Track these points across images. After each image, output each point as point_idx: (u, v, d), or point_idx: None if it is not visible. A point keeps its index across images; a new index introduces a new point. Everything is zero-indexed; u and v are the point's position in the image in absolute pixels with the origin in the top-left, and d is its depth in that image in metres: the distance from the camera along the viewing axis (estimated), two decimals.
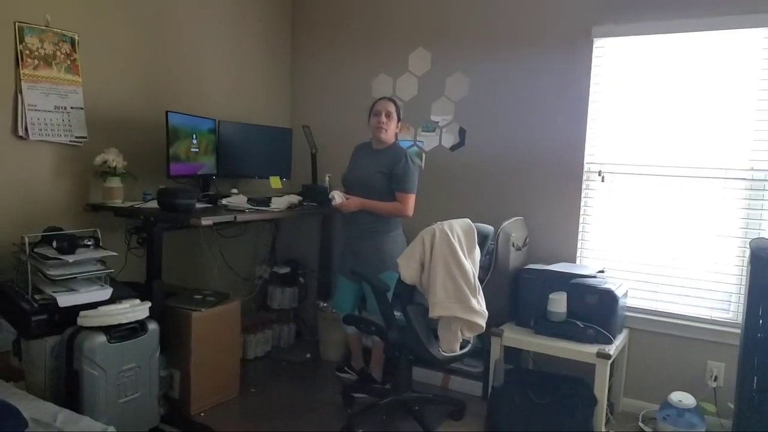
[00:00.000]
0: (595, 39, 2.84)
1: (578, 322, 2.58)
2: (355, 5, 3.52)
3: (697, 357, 2.70)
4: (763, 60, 2.54)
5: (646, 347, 2.81)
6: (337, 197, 2.68)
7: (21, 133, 2.40)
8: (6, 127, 2.36)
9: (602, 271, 2.81)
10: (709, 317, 2.71)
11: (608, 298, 2.57)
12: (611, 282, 2.67)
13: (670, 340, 2.76)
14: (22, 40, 2.38)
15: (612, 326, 2.56)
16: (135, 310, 2.29)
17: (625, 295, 2.72)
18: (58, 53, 2.51)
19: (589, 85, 2.87)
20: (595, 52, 2.86)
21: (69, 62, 2.56)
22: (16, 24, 2.36)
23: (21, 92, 2.38)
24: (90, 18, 2.61)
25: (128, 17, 2.78)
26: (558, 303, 2.62)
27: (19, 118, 2.39)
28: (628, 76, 2.82)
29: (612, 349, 2.47)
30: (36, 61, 2.44)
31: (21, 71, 2.38)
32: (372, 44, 3.47)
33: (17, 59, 2.37)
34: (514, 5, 3.03)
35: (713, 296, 2.71)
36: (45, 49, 2.46)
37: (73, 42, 2.56)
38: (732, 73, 2.60)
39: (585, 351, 2.47)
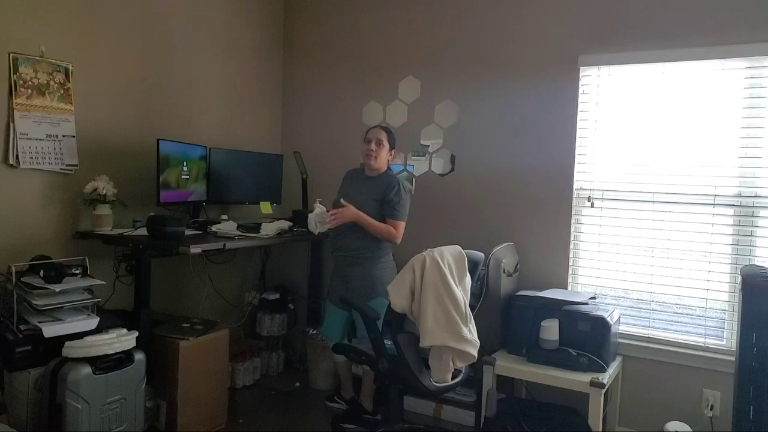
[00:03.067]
0: (581, 67, 2.89)
1: (571, 350, 2.55)
2: (345, 34, 3.58)
3: (692, 385, 2.68)
4: (746, 89, 2.59)
5: (640, 375, 2.78)
6: (322, 209, 2.66)
7: (12, 161, 2.40)
8: None
9: (594, 298, 2.80)
10: (703, 344, 2.69)
11: (601, 325, 2.55)
12: (603, 308, 2.65)
13: (664, 368, 2.73)
14: (16, 71, 2.40)
15: (605, 354, 2.53)
16: (121, 340, 2.26)
17: (618, 321, 2.70)
18: (51, 83, 2.53)
19: (576, 112, 2.91)
20: (582, 80, 2.91)
21: (62, 91, 2.57)
22: (11, 55, 2.38)
23: (13, 121, 2.39)
24: (84, 48, 2.64)
25: (121, 47, 2.82)
26: (550, 330, 2.60)
27: (11, 147, 2.40)
28: (615, 102, 2.86)
29: (606, 378, 2.44)
30: (29, 91, 2.45)
31: (14, 101, 2.39)
32: (362, 72, 3.52)
33: (11, 89, 2.38)
34: (502, 34, 3.09)
35: (706, 323, 2.70)
36: (39, 79, 2.48)
37: (66, 72, 2.58)
38: (717, 101, 2.64)
39: (578, 380, 2.44)
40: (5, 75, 2.37)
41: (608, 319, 2.56)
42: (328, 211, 2.68)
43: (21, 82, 2.42)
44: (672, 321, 2.77)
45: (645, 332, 2.81)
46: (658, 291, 2.79)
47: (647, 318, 2.82)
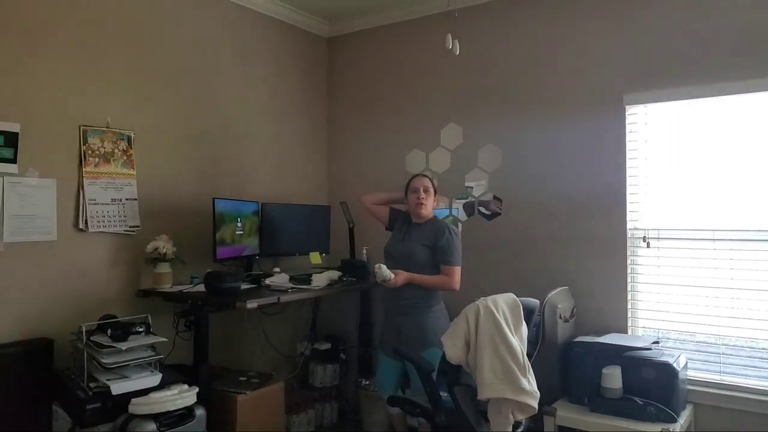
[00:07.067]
0: (627, 106, 2.86)
1: (636, 399, 2.44)
2: (386, 86, 3.69)
3: None
4: None
5: (714, 425, 2.61)
6: (386, 272, 2.61)
7: (81, 226, 2.56)
8: (68, 221, 2.53)
9: (657, 342, 2.69)
10: None
11: (667, 371, 2.44)
12: (668, 353, 2.54)
13: (740, 417, 2.56)
14: (85, 142, 2.59)
15: (674, 402, 2.41)
16: (183, 396, 2.32)
17: (685, 367, 2.57)
18: (116, 150, 2.71)
19: (625, 151, 2.87)
20: (629, 119, 2.88)
21: (125, 158, 2.75)
22: (81, 128, 2.58)
23: (83, 188, 2.57)
24: (144, 116, 2.83)
25: (177, 112, 3.00)
26: (612, 378, 2.50)
27: (80, 212, 2.57)
28: (666, 138, 2.81)
29: (677, 428, 2.32)
30: (97, 159, 2.64)
31: (83, 169, 2.58)
32: (404, 121, 3.60)
33: (80, 159, 2.57)
34: (544, 76, 3.11)
35: None
36: (105, 148, 2.67)
37: (129, 139, 2.77)
38: None
39: (647, 430, 2.32)
40: (76, 146, 2.56)
41: (675, 364, 2.44)
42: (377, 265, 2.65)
43: (89, 152, 2.61)
44: (745, 365, 2.61)
45: (717, 378, 2.66)
46: (727, 333, 2.65)
47: (717, 363, 2.67)
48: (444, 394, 2.36)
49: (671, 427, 2.31)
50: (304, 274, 3.02)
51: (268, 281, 2.87)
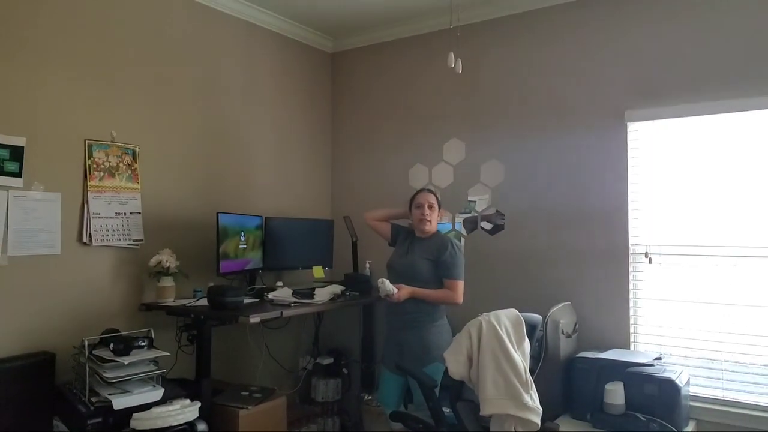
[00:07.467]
0: (628, 123, 2.89)
1: (639, 415, 2.43)
2: (389, 101, 3.72)
3: None
4: None
5: None
6: (389, 286, 2.61)
7: (85, 239, 2.57)
8: (72, 235, 2.54)
9: (659, 358, 2.68)
10: None
11: (670, 387, 2.43)
12: (671, 370, 2.53)
13: None
14: (90, 156, 2.61)
15: (677, 419, 2.40)
16: (185, 411, 2.31)
17: (688, 383, 2.56)
18: (121, 164, 2.73)
19: (627, 168, 2.89)
20: (630, 135, 2.90)
21: (130, 172, 2.77)
22: (86, 142, 2.60)
23: (87, 202, 2.58)
24: (149, 130, 2.85)
25: (182, 127, 3.02)
26: (615, 394, 2.49)
27: (84, 226, 2.58)
28: (668, 155, 2.82)
29: None
30: (101, 173, 2.65)
31: (88, 183, 2.59)
32: (407, 137, 3.62)
33: (85, 173, 2.59)
34: (546, 93, 3.14)
35: None
36: (110, 162, 2.69)
37: (134, 153, 2.79)
38: None
39: None
40: (81, 160, 2.58)
41: (677, 381, 2.44)
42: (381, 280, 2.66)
43: (94, 166, 2.63)
44: (747, 382, 2.61)
45: (719, 394, 2.65)
46: (729, 350, 2.65)
47: (719, 379, 2.66)
48: (446, 410, 2.36)
49: None
50: (307, 288, 3.03)
51: (271, 295, 2.88)
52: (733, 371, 2.64)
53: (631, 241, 2.88)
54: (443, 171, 3.47)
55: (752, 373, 2.61)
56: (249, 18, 3.39)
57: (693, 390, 2.64)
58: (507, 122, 3.26)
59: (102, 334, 2.43)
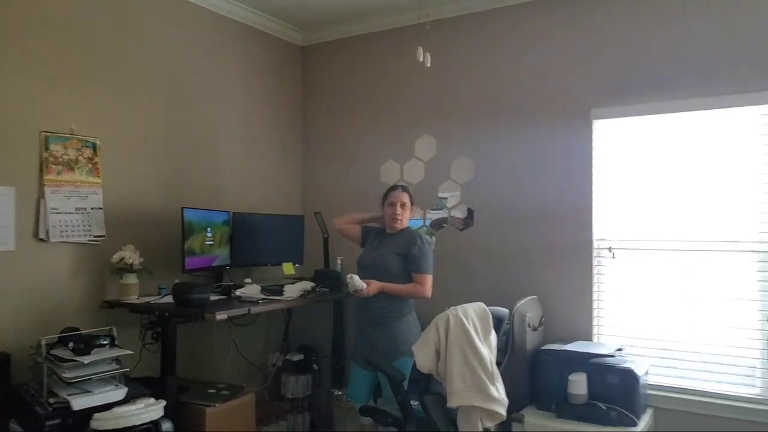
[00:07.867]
0: (594, 120, 2.95)
1: (600, 404, 2.51)
2: (361, 96, 3.71)
3: None
4: (763, 135, 2.60)
5: (672, 428, 2.70)
6: (358, 282, 2.63)
7: (42, 235, 2.48)
8: (28, 231, 2.45)
9: (620, 349, 2.76)
10: (734, 393, 2.62)
11: (629, 377, 2.51)
12: (631, 360, 2.62)
13: (696, 420, 2.65)
14: (47, 149, 2.52)
15: (635, 407, 2.49)
16: (149, 410, 2.27)
17: (647, 373, 2.65)
18: (80, 158, 2.64)
19: (591, 164, 2.95)
20: (595, 133, 2.96)
21: (90, 165, 2.68)
22: (42, 134, 2.50)
23: (44, 197, 2.49)
24: (110, 123, 2.76)
25: (145, 120, 2.94)
26: (578, 384, 2.56)
27: (41, 222, 2.48)
28: (630, 153, 2.90)
29: (637, 431, 2.38)
30: (59, 167, 2.56)
31: (45, 177, 2.50)
32: (379, 132, 3.61)
33: (41, 167, 2.49)
34: (514, 90, 3.17)
35: (736, 371, 2.64)
36: (68, 155, 2.59)
37: (94, 146, 2.70)
38: (734, 148, 2.66)
39: None
40: (36, 154, 2.48)
41: (636, 370, 2.52)
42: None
43: (51, 159, 2.53)
44: (701, 370, 2.71)
45: (675, 383, 2.75)
46: (685, 340, 2.75)
47: (675, 368, 2.77)
48: (415, 403, 2.38)
49: (631, 430, 2.37)
50: (277, 285, 3.00)
51: (238, 292, 2.84)
52: (688, 360, 2.74)
53: (595, 236, 2.95)
54: (415, 167, 3.48)
55: (705, 362, 2.71)
56: (214, 8, 3.31)
57: (651, 379, 2.73)
58: (476, 119, 3.29)
59: (61, 333, 2.36)
